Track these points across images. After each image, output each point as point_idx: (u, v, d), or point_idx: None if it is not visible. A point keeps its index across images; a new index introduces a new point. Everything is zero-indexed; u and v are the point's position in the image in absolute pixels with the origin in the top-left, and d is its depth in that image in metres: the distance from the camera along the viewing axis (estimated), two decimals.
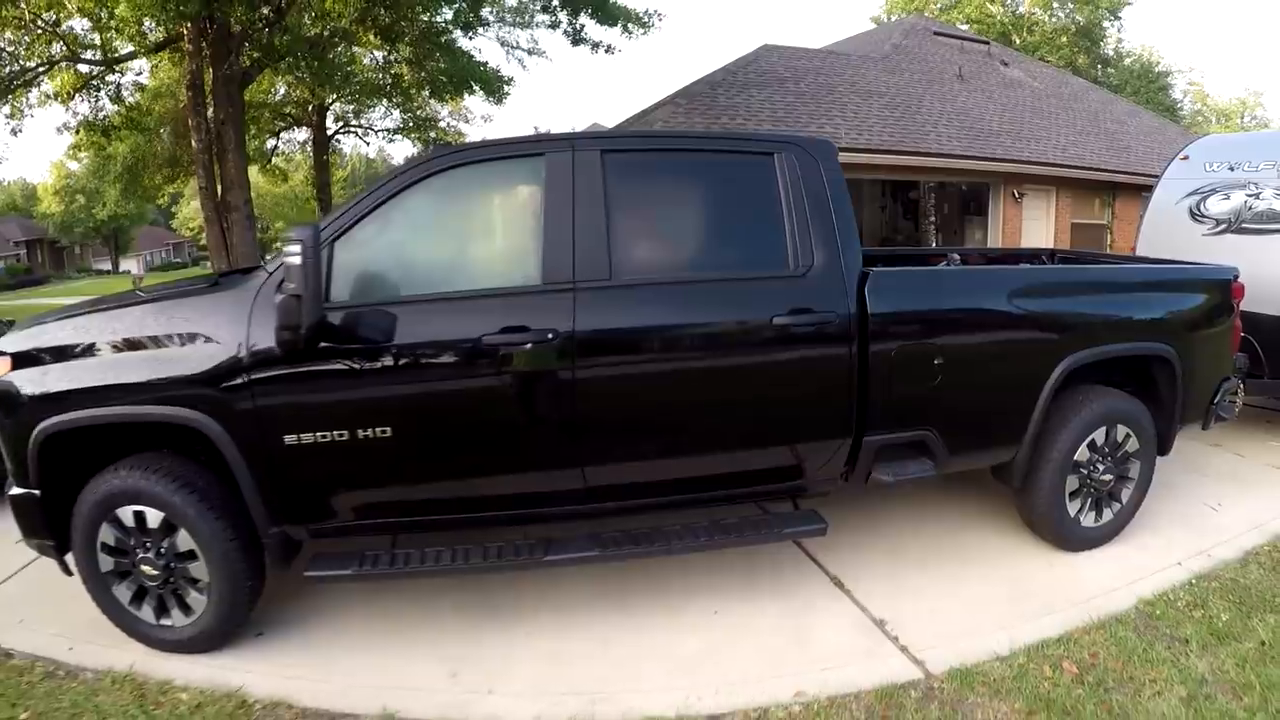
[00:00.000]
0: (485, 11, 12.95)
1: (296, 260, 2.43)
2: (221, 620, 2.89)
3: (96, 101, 12.53)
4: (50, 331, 2.90)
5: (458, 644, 2.99)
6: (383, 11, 11.33)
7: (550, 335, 2.74)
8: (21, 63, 11.18)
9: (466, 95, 14.95)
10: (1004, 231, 13.47)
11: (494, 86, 13.42)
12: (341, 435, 2.69)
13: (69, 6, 10.07)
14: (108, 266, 48.55)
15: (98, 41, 11.28)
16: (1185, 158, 5.84)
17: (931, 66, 15.32)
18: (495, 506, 2.98)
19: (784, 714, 2.55)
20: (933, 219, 15.21)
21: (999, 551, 3.65)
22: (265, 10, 10.24)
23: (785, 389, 2.99)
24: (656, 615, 3.15)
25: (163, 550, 2.81)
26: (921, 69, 15.04)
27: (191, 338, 2.74)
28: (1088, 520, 3.57)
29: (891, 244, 15.35)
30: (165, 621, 2.91)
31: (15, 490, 2.88)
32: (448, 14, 12.19)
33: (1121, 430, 3.50)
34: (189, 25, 9.98)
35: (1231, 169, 5.43)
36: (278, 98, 17.98)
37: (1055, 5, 31.95)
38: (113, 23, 9.42)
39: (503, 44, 15.18)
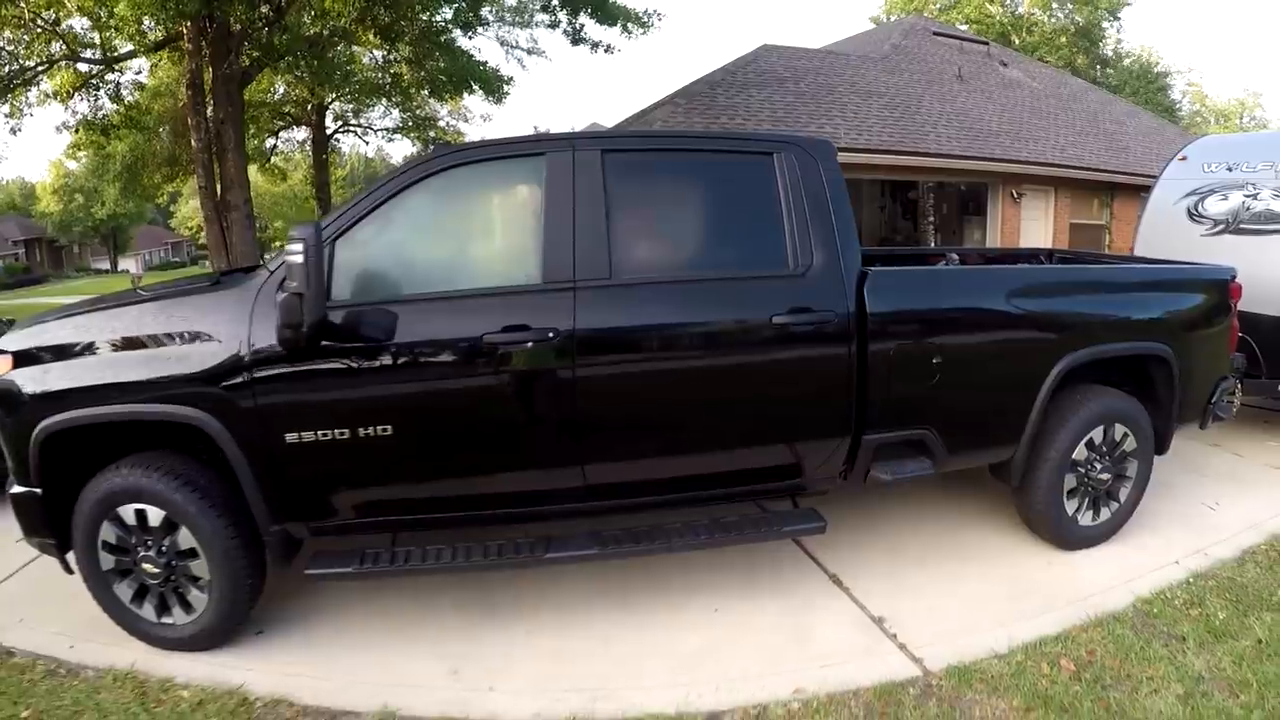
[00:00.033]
0: (485, 11, 12.95)
1: (299, 259, 2.44)
2: (222, 618, 2.90)
3: (96, 100, 12.50)
4: (51, 330, 2.91)
5: (458, 642, 3.00)
6: (382, 11, 11.32)
7: (551, 334, 2.75)
8: (21, 62, 11.17)
9: (466, 95, 14.95)
10: (1003, 231, 13.49)
11: (493, 86, 13.41)
12: (342, 433, 2.71)
13: (68, 5, 10.05)
14: (106, 266, 48.56)
15: (97, 40, 11.26)
16: (1183, 158, 5.86)
17: (931, 67, 15.33)
18: (496, 505, 2.99)
19: (783, 711, 2.57)
20: (931, 219, 15.23)
21: (997, 550, 3.66)
22: (265, 9, 10.24)
23: (784, 388, 3.01)
24: (657, 613, 3.17)
25: (164, 548, 2.82)
26: (921, 69, 15.06)
27: (193, 336, 2.75)
28: (1085, 519, 3.58)
29: (890, 244, 15.37)
30: (166, 620, 2.92)
31: (16, 488, 2.88)
32: (447, 13, 12.17)
33: (1119, 429, 3.51)
34: (188, 24, 9.98)
35: (1229, 170, 5.45)
36: (277, 97, 17.99)
37: (1054, 6, 31.97)
38: (112, 22, 9.39)
39: (502, 43, 15.23)
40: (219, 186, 11.17)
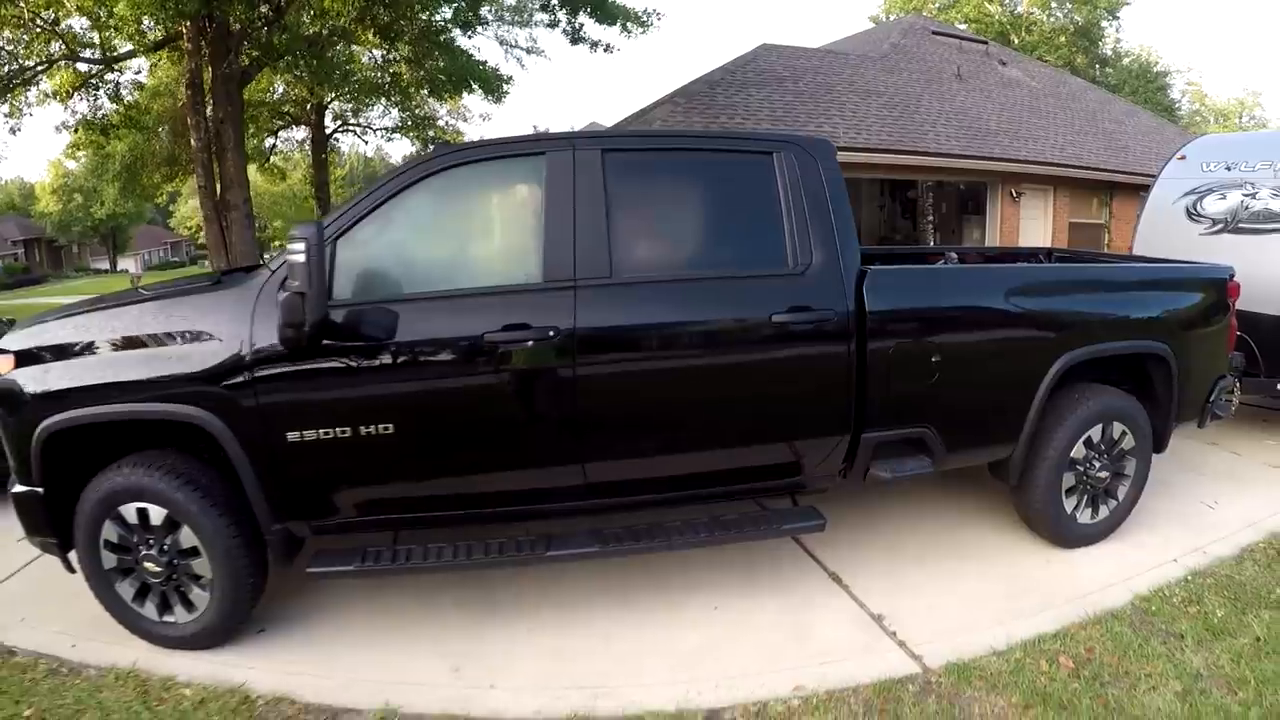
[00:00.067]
0: (484, 10, 12.95)
1: (300, 258, 2.45)
2: (224, 617, 2.90)
3: (95, 100, 12.51)
4: (53, 330, 2.91)
5: (460, 640, 3.01)
6: (381, 10, 11.33)
7: (551, 333, 2.76)
8: (20, 62, 11.17)
9: (465, 94, 14.96)
10: (1002, 231, 13.50)
11: (493, 85, 13.41)
12: (344, 432, 2.71)
13: (68, 5, 10.04)
14: (106, 265, 48.54)
15: (97, 40, 11.25)
16: (1182, 157, 5.87)
17: (930, 66, 15.33)
18: (497, 503, 3.00)
19: (783, 708, 2.58)
20: (931, 218, 15.26)
21: (996, 548, 3.67)
22: (264, 9, 10.24)
23: (784, 386, 3.02)
24: (657, 611, 3.18)
25: (166, 547, 2.82)
26: (920, 68, 15.06)
27: (194, 335, 2.75)
28: (1084, 517, 3.59)
29: (890, 243, 15.37)
30: (168, 618, 2.93)
31: (18, 488, 2.89)
32: (447, 13, 12.17)
33: (1118, 428, 3.53)
34: (188, 24, 9.98)
35: (1228, 169, 5.46)
36: (276, 96, 17.97)
37: (1054, 5, 31.98)
38: (112, 21, 9.38)
39: (501, 43, 15.19)
40: (218, 186, 11.18)
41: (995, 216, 13.66)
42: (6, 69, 11.03)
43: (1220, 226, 5.33)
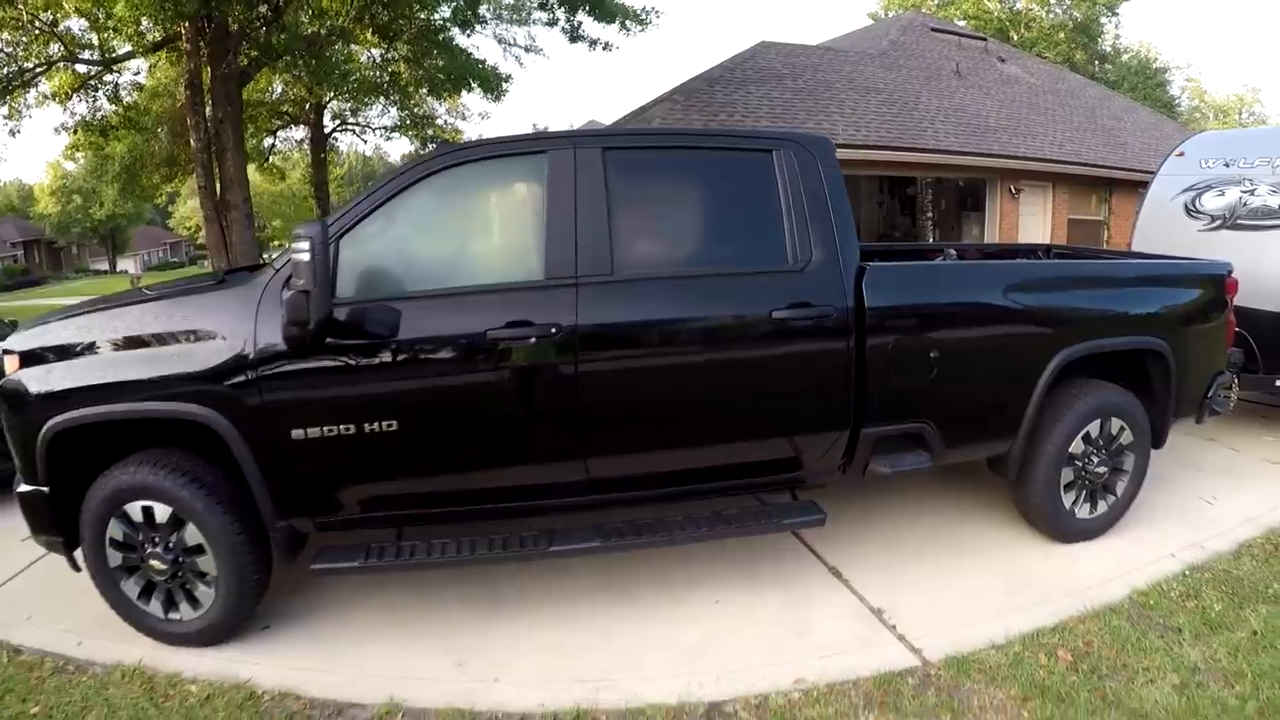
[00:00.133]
0: (483, 9, 12.95)
1: (305, 256, 2.46)
2: (229, 614, 2.92)
3: (94, 101, 12.54)
4: (58, 330, 2.93)
5: (463, 635, 3.03)
6: (380, 9, 11.34)
7: (554, 330, 2.77)
8: (19, 63, 11.18)
9: (464, 93, 14.97)
10: (1001, 227, 13.51)
11: (492, 84, 13.41)
12: (348, 429, 2.73)
13: (66, 7, 10.07)
14: (105, 266, 48.55)
15: (95, 41, 11.28)
16: (1181, 154, 5.88)
17: (929, 63, 15.34)
18: (499, 499, 3.02)
19: (784, 701, 2.60)
20: (930, 215, 15.26)
21: (995, 543, 3.70)
22: (263, 9, 10.25)
23: (784, 382, 3.04)
24: (659, 606, 3.20)
25: (171, 545, 2.84)
26: (919, 65, 15.06)
27: (199, 334, 2.77)
28: (1082, 512, 3.61)
29: (889, 240, 15.38)
30: (173, 615, 2.94)
31: (24, 487, 2.91)
32: (445, 12, 12.18)
33: (1116, 423, 3.54)
34: (187, 24, 9.99)
35: (1227, 165, 5.48)
36: (275, 96, 17.97)
37: (1053, 1, 31.95)
38: (110, 22, 9.42)
39: (500, 41, 15.21)
40: (218, 186, 11.19)
41: (994, 213, 13.67)
42: (5, 71, 11.04)
43: (1219, 223, 5.35)
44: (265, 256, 14.55)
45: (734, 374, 2.99)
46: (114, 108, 12.60)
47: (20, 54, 11.09)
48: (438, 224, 3.16)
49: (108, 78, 12.35)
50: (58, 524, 2.90)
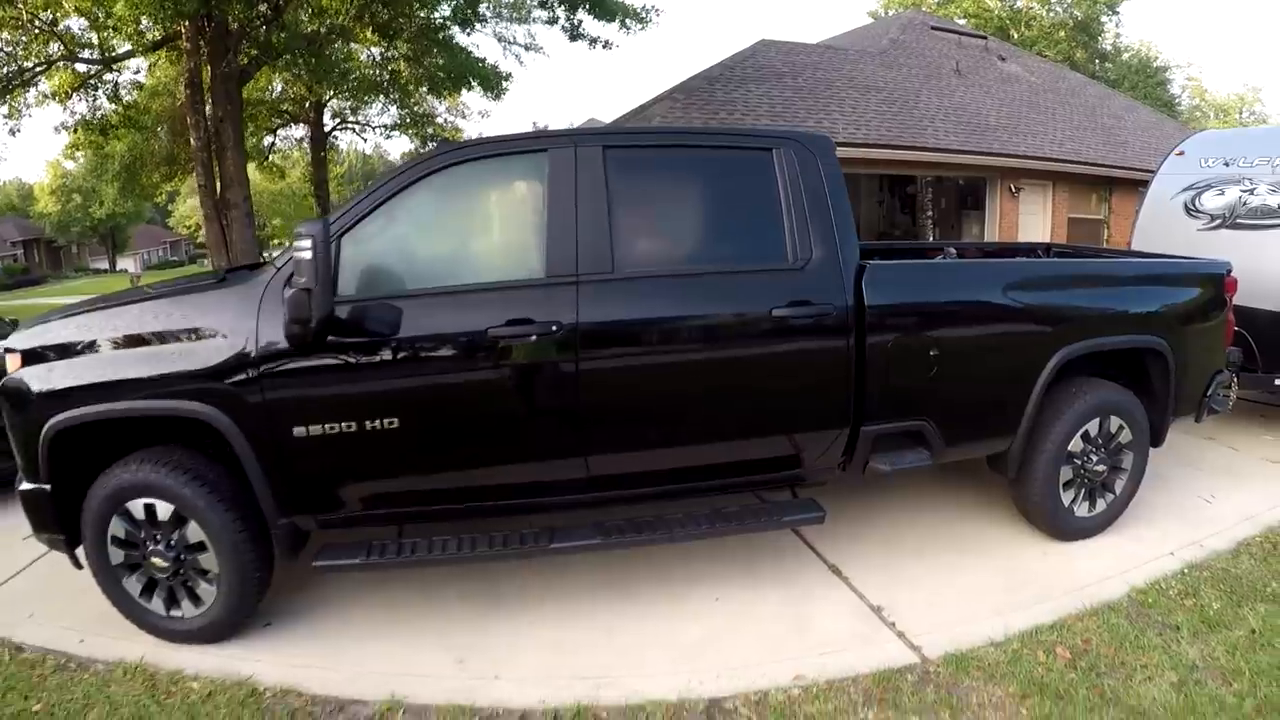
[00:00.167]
0: (482, 7, 12.95)
1: (307, 254, 2.47)
2: (230, 611, 2.93)
3: (94, 100, 12.53)
4: (60, 329, 2.93)
5: (464, 632, 3.04)
6: (380, 8, 11.34)
7: (554, 327, 2.78)
8: (19, 63, 11.18)
9: (464, 91, 14.97)
10: (1001, 226, 13.51)
11: (492, 82, 13.41)
12: (349, 427, 2.74)
13: (66, 6, 10.05)
14: (105, 265, 48.57)
15: (95, 41, 11.27)
16: (1180, 153, 5.89)
17: (929, 61, 15.33)
18: (500, 496, 3.03)
19: (783, 697, 2.60)
20: (930, 213, 15.26)
21: (994, 541, 3.70)
22: (263, 8, 10.24)
23: (784, 379, 3.05)
24: (659, 603, 3.21)
25: (173, 542, 2.84)
26: (919, 64, 15.06)
27: (200, 332, 2.78)
28: (1081, 510, 3.62)
29: (889, 238, 15.39)
30: (175, 613, 2.95)
31: (25, 485, 2.91)
32: (445, 10, 12.18)
33: (1115, 422, 3.55)
34: (187, 23, 9.99)
35: (1226, 164, 5.48)
36: (275, 95, 17.97)
37: (1053, 0, 31.93)
38: (110, 22, 9.40)
39: (500, 40, 15.21)
40: (218, 185, 11.19)
41: (994, 212, 13.67)
42: (5, 70, 11.03)
43: (1218, 222, 5.35)
44: (265, 255, 14.54)
45: (734, 372, 3.00)
46: (114, 107, 12.59)
47: (20, 53, 11.08)
48: (439, 222, 3.16)
49: (107, 77, 12.35)
50: (59, 522, 2.91)
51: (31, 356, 2.88)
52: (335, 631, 3.07)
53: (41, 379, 2.83)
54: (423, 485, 2.96)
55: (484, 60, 13.19)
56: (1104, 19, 33.02)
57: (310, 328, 2.56)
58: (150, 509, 2.81)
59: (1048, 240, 11.50)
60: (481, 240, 3.35)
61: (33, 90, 11.88)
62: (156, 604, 2.95)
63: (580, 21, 11.99)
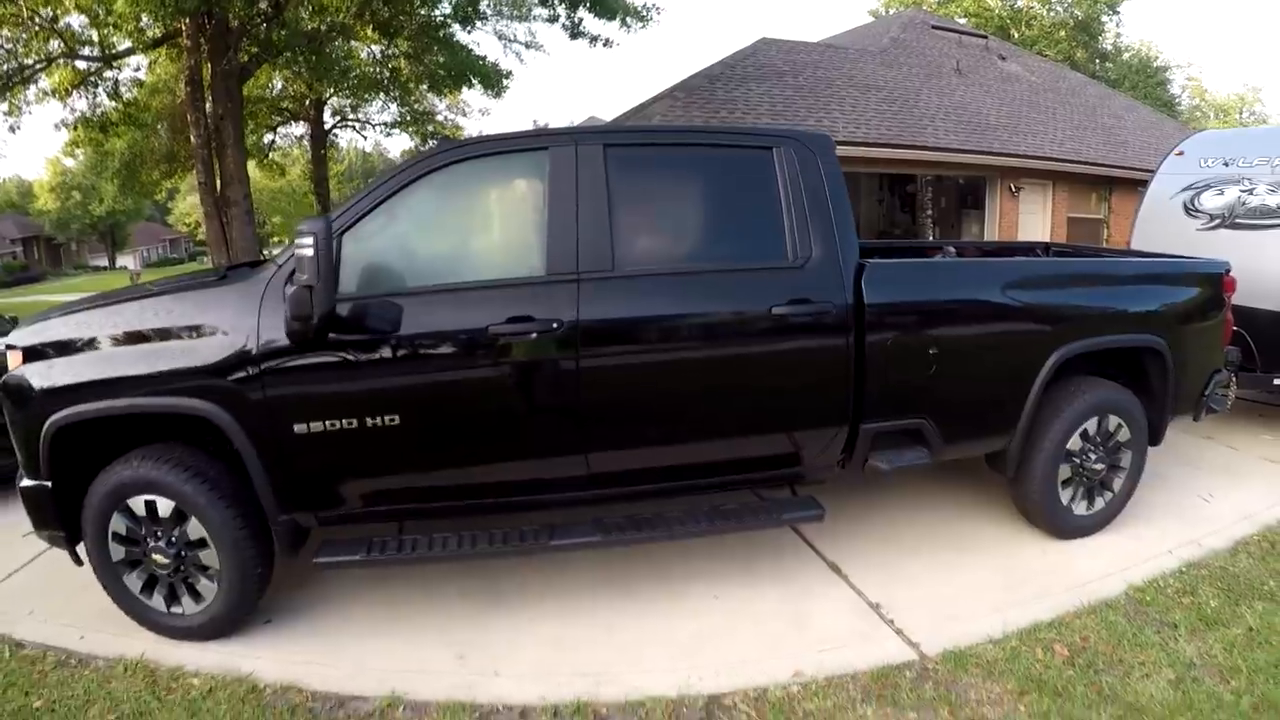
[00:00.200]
0: (483, 5, 12.93)
1: (309, 252, 2.47)
2: (231, 608, 2.93)
3: (94, 97, 12.53)
4: (61, 325, 2.94)
5: (464, 629, 3.05)
6: (381, 5, 11.33)
7: (555, 325, 2.79)
8: (19, 60, 11.17)
9: (464, 89, 14.95)
10: (1001, 225, 13.52)
11: (492, 80, 13.41)
12: (350, 424, 2.74)
13: (66, 3, 10.05)
14: (104, 263, 48.57)
15: (95, 38, 11.26)
16: (1180, 153, 5.89)
17: (929, 60, 15.34)
18: (501, 493, 3.03)
19: (782, 693, 2.61)
20: (930, 212, 15.27)
21: (993, 539, 3.71)
22: (263, 5, 10.24)
23: (784, 377, 3.06)
24: (659, 600, 3.21)
25: (174, 539, 2.85)
26: (919, 63, 15.06)
27: (201, 330, 2.78)
28: (1080, 508, 3.63)
29: (889, 237, 15.40)
30: (176, 609, 2.96)
31: (26, 482, 2.92)
32: (446, 8, 12.18)
33: (1113, 420, 3.56)
34: (187, 21, 9.98)
35: (1226, 164, 5.49)
36: (275, 92, 17.95)
37: (1053, 0, 31.91)
38: (110, 19, 9.41)
39: (500, 37, 15.14)
40: (218, 182, 11.20)
41: (994, 211, 13.68)
42: (5, 67, 11.03)
43: (1217, 222, 5.36)
44: (265, 253, 14.55)
45: (734, 370, 3.01)
46: (114, 104, 12.59)
47: (20, 50, 11.08)
48: (440, 220, 3.16)
49: (108, 74, 12.35)
50: (60, 519, 2.92)
51: (33, 353, 2.88)
52: (335, 628, 3.08)
53: (43, 376, 2.84)
54: (423, 482, 2.97)
55: (484, 58, 13.19)
56: (1104, 19, 32.99)
57: (312, 325, 2.56)
58: (151, 506, 2.82)
59: (1047, 239, 11.52)
60: (482, 238, 3.35)
61: (33, 87, 11.88)
62: (157, 600, 2.96)
63: (581, 20, 11.98)
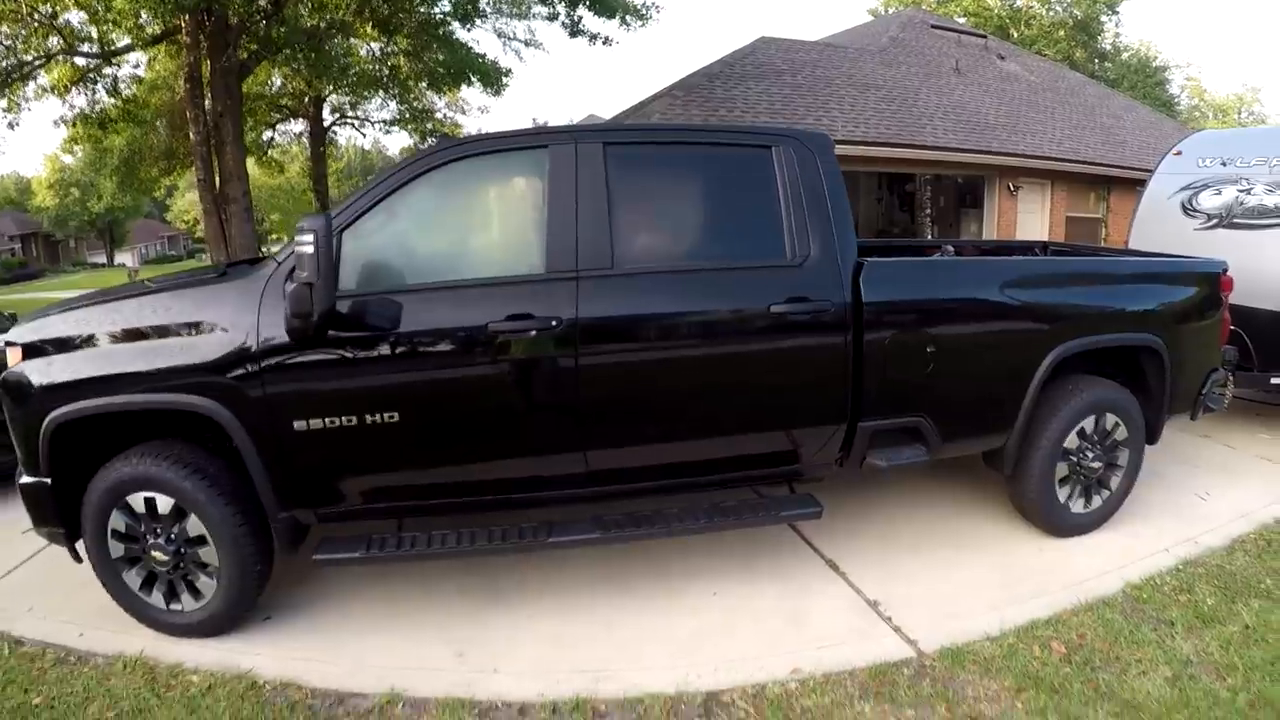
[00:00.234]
0: (483, 3, 12.92)
1: (309, 249, 2.47)
2: (230, 604, 2.94)
3: (93, 94, 12.52)
4: (61, 322, 2.94)
5: (464, 626, 3.05)
6: (380, 3, 11.33)
7: (554, 322, 2.79)
8: (18, 56, 11.15)
9: (464, 87, 14.94)
10: (999, 224, 13.53)
11: (492, 78, 13.41)
12: (350, 421, 2.75)
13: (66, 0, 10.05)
14: (103, 260, 48.50)
15: (95, 34, 11.24)
16: (1178, 153, 5.90)
17: (929, 59, 15.34)
18: (500, 490, 3.04)
19: (780, 690, 2.62)
20: (929, 211, 15.28)
21: (990, 537, 3.72)
22: (263, 2, 10.23)
23: (782, 375, 3.06)
24: (657, 598, 3.22)
25: (173, 536, 2.86)
26: (919, 62, 15.07)
27: (201, 327, 2.79)
28: (1077, 507, 3.64)
29: (888, 236, 15.41)
30: (175, 606, 2.96)
31: (26, 479, 2.92)
32: (445, 5, 12.18)
33: (1110, 419, 3.57)
34: (186, 17, 9.97)
35: (1224, 164, 5.50)
36: (274, 89, 17.94)
37: None
38: (110, 16, 9.38)
39: (500, 35, 15.18)
40: (217, 179, 11.19)
41: (993, 210, 13.70)
42: (4, 64, 11.01)
43: (1215, 222, 5.37)
44: (264, 250, 14.53)
45: (732, 367, 3.02)
46: (113, 101, 12.57)
47: (19, 47, 11.06)
48: (439, 218, 3.17)
49: (107, 71, 12.34)
50: (60, 516, 2.92)
51: (32, 350, 2.89)
52: (335, 625, 3.09)
53: (42, 373, 2.84)
54: (422, 479, 2.97)
55: (484, 56, 13.21)
56: (1103, 18, 33.02)
57: (312, 322, 2.56)
58: (150, 503, 2.82)
59: (1045, 239, 11.53)
60: (482, 236, 3.35)
61: (32, 84, 11.86)
62: (156, 597, 2.96)
63: (580, 18, 11.98)
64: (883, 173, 15.02)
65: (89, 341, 2.86)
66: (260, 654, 2.87)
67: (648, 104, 12.76)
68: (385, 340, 2.75)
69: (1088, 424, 3.52)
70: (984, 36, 18.76)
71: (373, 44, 15.09)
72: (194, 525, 2.84)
